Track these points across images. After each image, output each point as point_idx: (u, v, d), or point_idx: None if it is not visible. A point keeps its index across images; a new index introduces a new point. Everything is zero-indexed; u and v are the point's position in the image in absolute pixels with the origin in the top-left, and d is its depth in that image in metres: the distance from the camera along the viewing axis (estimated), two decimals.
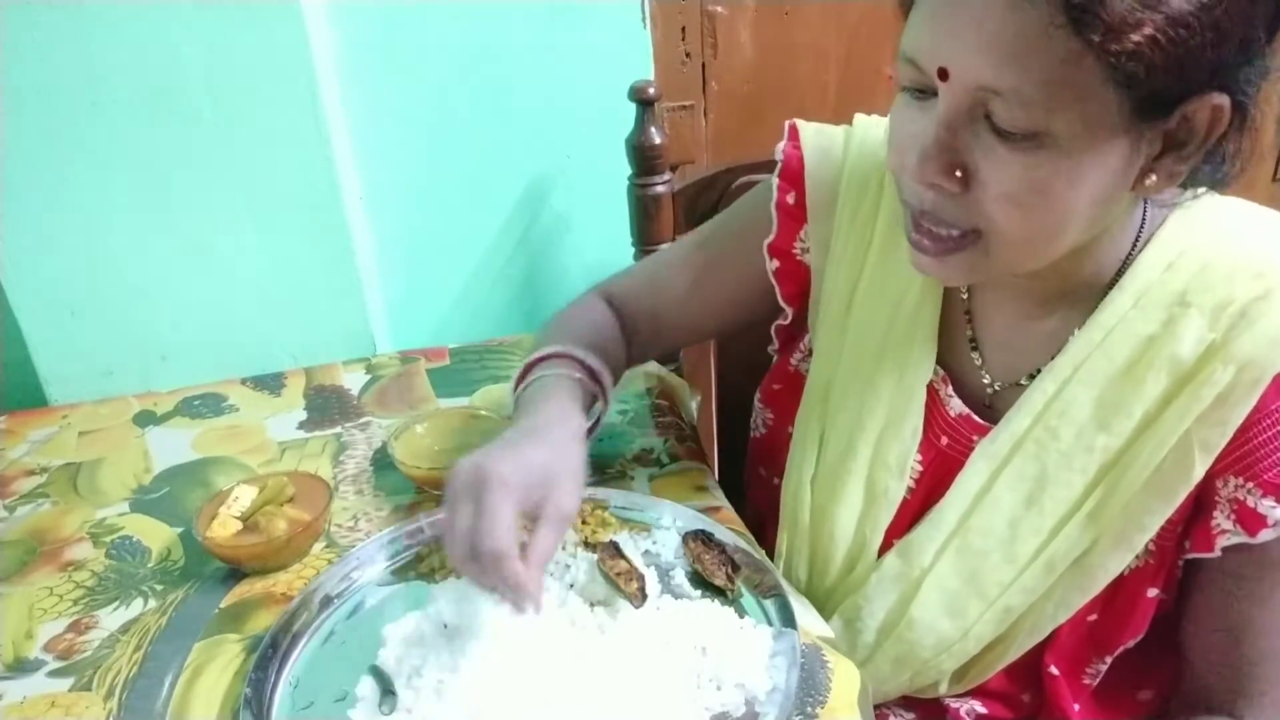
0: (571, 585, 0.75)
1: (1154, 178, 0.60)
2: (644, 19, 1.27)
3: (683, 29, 1.36)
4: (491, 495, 0.62)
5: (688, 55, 1.38)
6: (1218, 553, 0.68)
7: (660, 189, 1.17)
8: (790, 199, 0.85)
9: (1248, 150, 0.61)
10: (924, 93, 0.61)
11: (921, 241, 0.65)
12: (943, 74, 0.58)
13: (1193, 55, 0.53)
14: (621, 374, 0.91)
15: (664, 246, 1.18)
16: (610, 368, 0.85)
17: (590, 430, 0.80)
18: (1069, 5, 0.52)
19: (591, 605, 0.73)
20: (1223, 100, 0.56)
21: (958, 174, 0.60)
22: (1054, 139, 0.56)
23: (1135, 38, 0.52)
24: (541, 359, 0.83)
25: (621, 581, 0.72)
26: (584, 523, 0.82)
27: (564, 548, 0.79)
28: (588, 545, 0.79)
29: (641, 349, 0.95)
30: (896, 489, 0.79)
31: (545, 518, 0.66)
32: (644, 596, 0.72)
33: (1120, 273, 0.70)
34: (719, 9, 1.36)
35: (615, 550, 0.75)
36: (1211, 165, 0.61)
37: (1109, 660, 0.76)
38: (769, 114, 1.43)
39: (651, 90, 1.14)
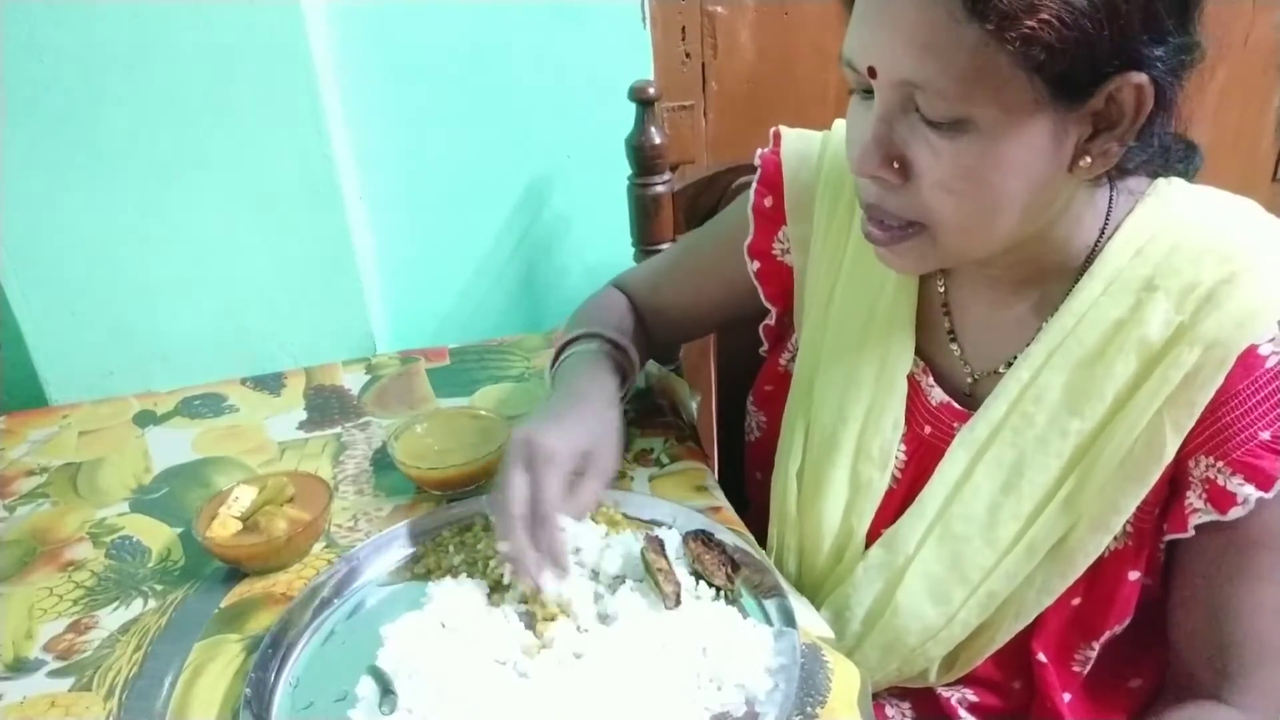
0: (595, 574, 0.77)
1: (1089, 159, 0.62)
2: (644, 19, 1.27)
3: (683, 29, 1.36)
4: (541, 467, 0.72)
5: (688, 55, 1.38)
6: (1191, 531, 0.69)
7: (660, 189, 1.17)
8: (767, 202, 0.88)
9: (1180, 128, 0.64)
10: (868, 93, 0.65)
11: (873, 232, 0.69)
12: (871, 72, 0.62)
13: (1092, 37, 0.55)
14: (646, 354, 0.99)
15: (666, 247, 1.19)
16: (634, 343, 0.94)
17: (621, 395, 0.89)
18: None
19: (609, 587, 0.74)
20: (1141, 79, 0.58)
21: (895, 165, 0.64)
22: (976, 125, 0.60)
23: (1030, 22, 0.54)
24: (571, 340, 0.92)
25: (661, 578, 0.73)
26: (592, 519, 0.83)
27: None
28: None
29: (658, 336, 1.02)
30: (880, 480, 0.80)
31: (589, 474, 0.75)
32: (678, 601, 0.72)
33: (1090, 259, 0.71)
34: (719, 9, 1.36)
35: (660, 547, 0.77)
36: (1145, 146, 0.63)
37: (1096, 646, 0.76)
38: (769, 114, 1.42)
39: (651, 90, 1.14)
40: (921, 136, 0.62)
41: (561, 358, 0.92)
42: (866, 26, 0.62)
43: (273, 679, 0.70)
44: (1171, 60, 0.59)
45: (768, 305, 0.92)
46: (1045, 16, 0.54)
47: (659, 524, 0.83)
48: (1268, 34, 1.59)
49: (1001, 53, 0.56)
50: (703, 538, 0.79)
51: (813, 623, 0.75)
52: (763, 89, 1.43)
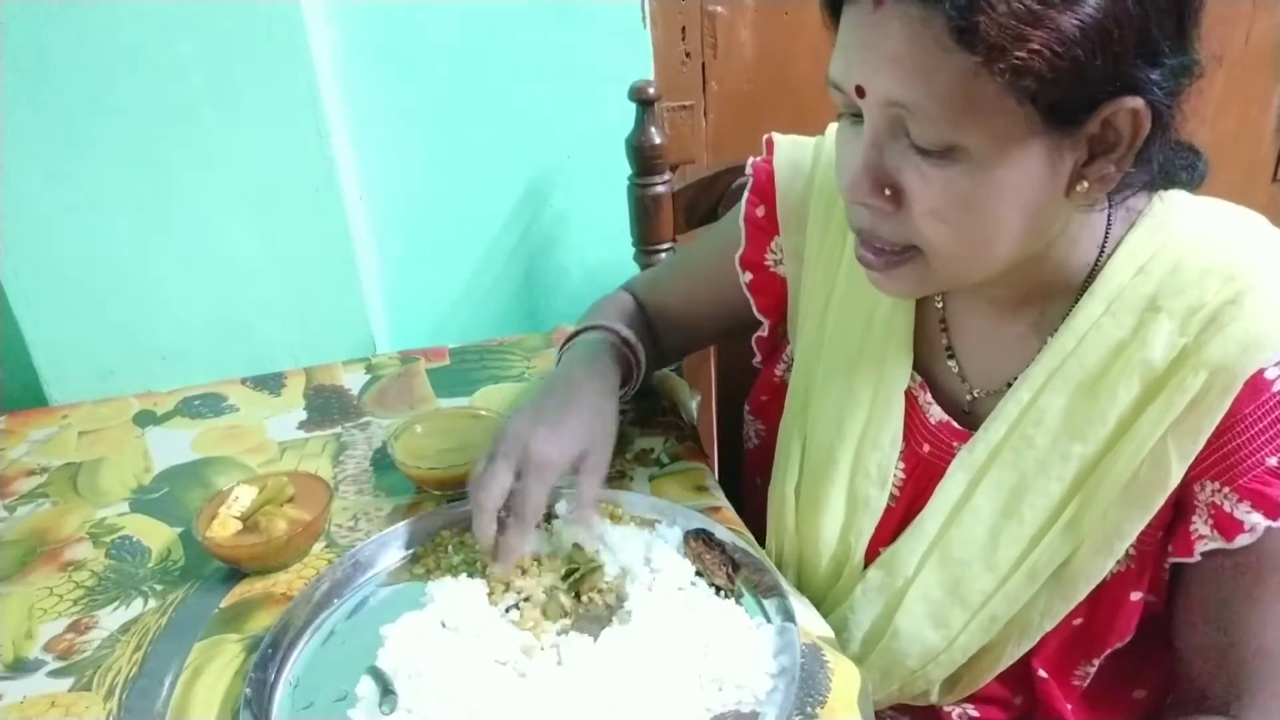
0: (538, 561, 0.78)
1: (1086, 184, 0.61)
2: (644, 19, 1.27)
3: (683, 29, 1.36)
4: (532, 474, 0.74)
5: (688, 55, 1.38)
6: (1197, 557, 0.68)
7: (660, 189, 1.17)
8: (759, 212, 0.87)
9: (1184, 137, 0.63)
10: (857, 116, 0.63)
11: (866, 256, 0.68)
12: (860, 91, 0.61)
13: (1084, 65, 0.54)
14: (654, 355, 0.98)
15: (666, 247, 1.19)
16: (640, 339, 0.94)
17: (624, 388, 0.91)
18: (952, 27, 0.53)
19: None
20: (1137, 103, 0.57)
21: (887, 192, 0.63)
22: (968, 152, 0.58)
23: (1020, 53, 0.53)
24: (578, 332, 0.94)
25: (713, 569, 0.75)
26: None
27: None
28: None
29: (665, 342, 1.02)
30: (878, 498, 0.79)
31: (584, 471, 0.77)
32: (732, 584, 0.74)
33: (1091, 278, 0.69)
34: (719, 9, 1.36)
35: (708, 539, 0.78)
36: (1143, 169, 0.62)
37: (1097, 662, 0.76)
38: (769, 114, 1.43)
39: (651, 90, 1.14)
40: (912, 163, 0.60)
41: (567, 347, 0.94)
42: (853, 48, 0.61)
43: (273, 679, 0.70)
44: (1168, 83, 0.57)
45: (760, 317, 0.91)
46: (1035, 46, 0.53)
47: (659, 524, 0.83)
48: (1268, 34, 1.59)
49: (991, 82, 0.55)
50: (703, 537, 0.79)
51: (813, 623, 0.75)
52: (763, 89, 1.43)
